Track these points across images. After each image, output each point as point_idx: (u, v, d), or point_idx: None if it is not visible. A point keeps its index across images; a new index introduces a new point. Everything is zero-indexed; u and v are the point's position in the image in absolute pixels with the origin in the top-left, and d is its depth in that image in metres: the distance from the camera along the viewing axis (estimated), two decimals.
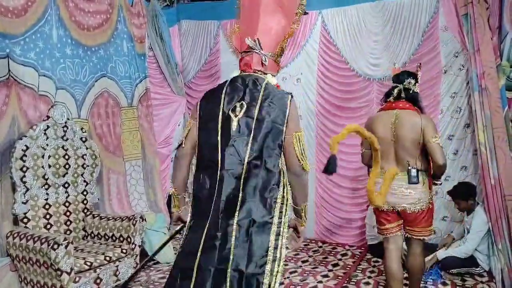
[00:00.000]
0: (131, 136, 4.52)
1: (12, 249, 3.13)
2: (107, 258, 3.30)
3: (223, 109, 1.98)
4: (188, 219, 2.04)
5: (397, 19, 4.40)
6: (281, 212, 1.93)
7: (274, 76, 2.13)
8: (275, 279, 1.87)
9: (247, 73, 2.07)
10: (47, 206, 3.46)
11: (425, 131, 2.86)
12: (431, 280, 3.70)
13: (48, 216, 3.45)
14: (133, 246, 3.53)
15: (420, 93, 4.28)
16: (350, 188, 4.80)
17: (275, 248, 1.89)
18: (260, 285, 1.84)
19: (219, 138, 1.95)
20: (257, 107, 1.94)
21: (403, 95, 3.04)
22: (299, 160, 1.94)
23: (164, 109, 5.17)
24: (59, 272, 2.90)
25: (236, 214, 1.87)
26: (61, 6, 3.78)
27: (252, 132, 1.92)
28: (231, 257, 1.82)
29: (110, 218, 3.69)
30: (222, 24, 5.39)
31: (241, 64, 2.13)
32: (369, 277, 3.87)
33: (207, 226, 1.89)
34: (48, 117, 3.52)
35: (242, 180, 1.89)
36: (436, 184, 3.08)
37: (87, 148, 3.80)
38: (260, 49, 2.07)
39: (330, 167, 2.28)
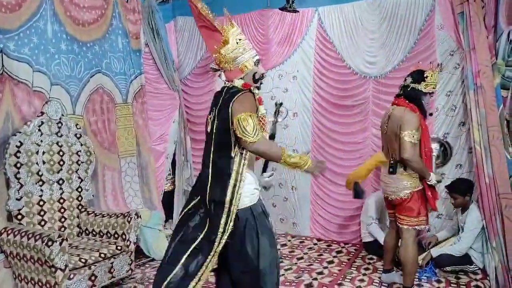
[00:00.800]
0: (126, 132, 4.50)
1: (6, 245, 3.11)
2: (102, 255, 3.29)
3: (209, 117, 2.51)
4: None
5: (394, 17, 4.40)
6: (232, 193, 2.33)
7: (241, 78, 2.47)
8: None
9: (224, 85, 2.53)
10: (41, 203, 3.44)
11: (401, 125, 3.10)
12: (426, 278, 3.72)
13: (42, 213, 3.43)
14: (128, 243, 3.51)
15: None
16: (345, 186, 4.80)
17: (225, 225, 2.35)
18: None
19: (206, 140, 2.51)
20: (217, 109, 2.40)
21: (401, 92, 3.32)
22: (242, 137, 2.28)
23: (159, 106, 5.15)
24: (53, 269, 2.88)
25: (207, 196, 2.39)
26: (56, 1, 3.74)
27: (215, 131, 2.40)
28: (205, 228, 2.42)
29: (105, 215, 3.67)
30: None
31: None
32: (364, 274, 3.89)
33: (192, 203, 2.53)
34: (42, 113, 3.49)
35: (210, 170, 2.40)
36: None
37: (81, 145, 3.77)
38: (218, 68, 2.59)
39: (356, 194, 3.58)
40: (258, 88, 2.56)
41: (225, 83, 2.52)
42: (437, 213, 4.32)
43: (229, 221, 2.34)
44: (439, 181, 3.31)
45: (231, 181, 2.33)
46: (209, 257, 2.38)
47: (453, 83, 4.18)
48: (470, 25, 3.82)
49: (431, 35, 4.26)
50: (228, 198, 2.32)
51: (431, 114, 3.49)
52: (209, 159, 2.41)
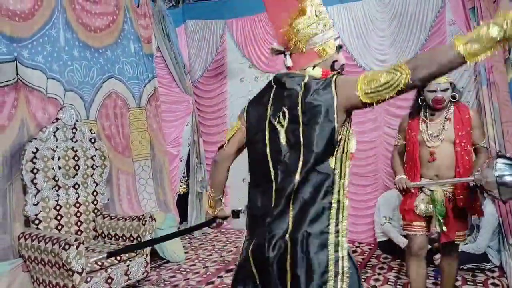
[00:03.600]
0: (140, 136, 4.54)
1: (24, 250, 3.18)
2: (118, 258, 3.33)
3: (269, 119, 1.74)
4: (244, 238, 1.83)
5: (404, 14, 4.38)
6: (337, 218, 1.63)
7: (316, 65, 1.73)
8: None
9: (284, 73, 1.77)
10: (58, 207, 3.50)
11: None
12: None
13: (59, 217, 3.49)
14: None
15: None
16: (359, 185, 4.78)
17: (336, 261, 1.59)
18: None
19: (268, 152, 1.71)
20: (299, 110, 1.64)
21: None
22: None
23: (172, 109, 5.19)
24: (70, 272, 2.93)
25: (289, 228, 1.61)
26: (68, 9, 3.80)
27: (302, 140, 1.63)
28: (289, 277, 1.60)
29: (120, 218, 3.72)
30: (228, 23, 5.40)
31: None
32: (379, 274, 3.87)
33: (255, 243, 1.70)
34: (57, 119, 3.55)
35: (292, 195, 1.62)
36: None
37: (96, 149, 3.83)
38: (281, 50, 1.81)
39: None
40: None
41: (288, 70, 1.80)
42: None
43: (341, 262, 1.60)
44: (400, 186, 2.98)
45: (334, 202, 1.63)
46: None
47: (466, 79, 4.15)
48: (481, 20, 3.77)
49: (442, 31, 4.23)
50: (333, 228, 1.62)
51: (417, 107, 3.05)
52: (290, 182, 1.62)
